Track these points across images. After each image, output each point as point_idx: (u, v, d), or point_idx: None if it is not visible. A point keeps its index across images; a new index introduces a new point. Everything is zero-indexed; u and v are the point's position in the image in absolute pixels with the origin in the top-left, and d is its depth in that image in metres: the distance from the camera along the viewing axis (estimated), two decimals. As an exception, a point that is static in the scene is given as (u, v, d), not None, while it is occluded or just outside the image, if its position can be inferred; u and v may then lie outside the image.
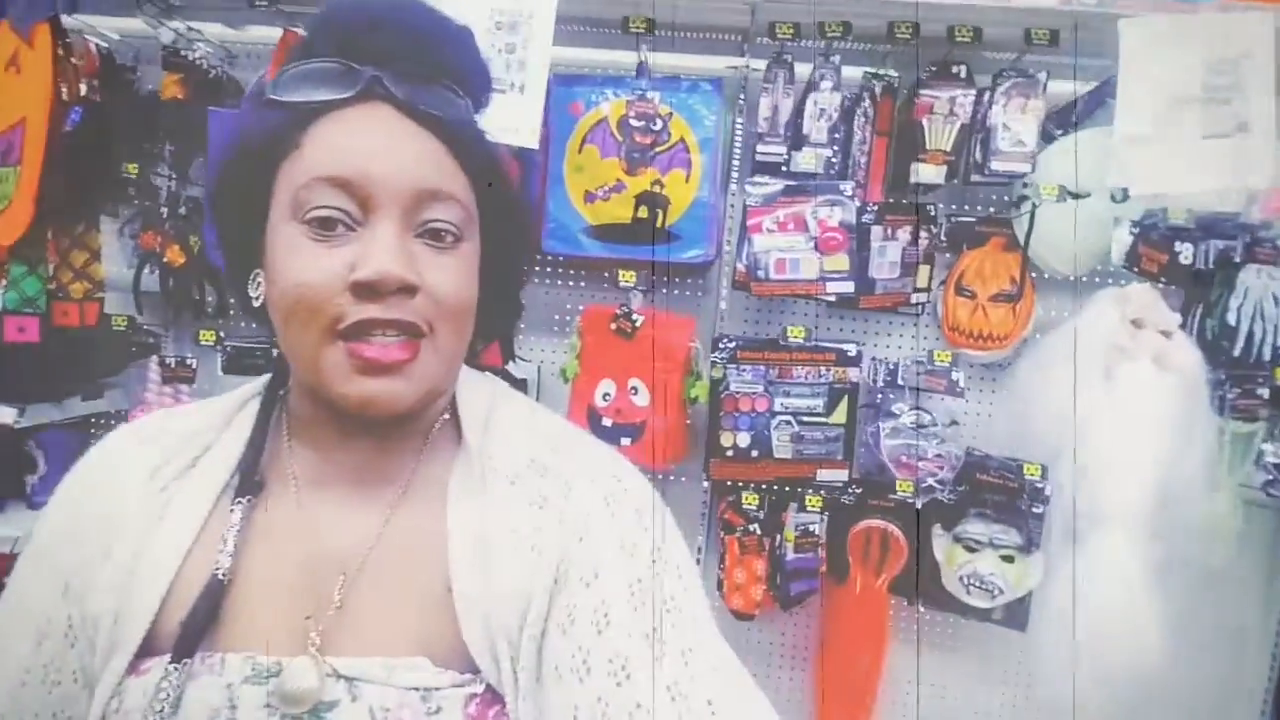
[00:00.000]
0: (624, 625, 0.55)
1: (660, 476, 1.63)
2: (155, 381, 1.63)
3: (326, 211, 0.54)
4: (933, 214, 1.46)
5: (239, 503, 0.58)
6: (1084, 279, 1.47)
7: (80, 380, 1.46)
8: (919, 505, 1.45)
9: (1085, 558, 1.30)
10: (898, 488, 1.39)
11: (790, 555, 1.47)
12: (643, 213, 1.41)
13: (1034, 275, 1.51)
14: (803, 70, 1.38)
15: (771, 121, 1.37)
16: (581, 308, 1.52)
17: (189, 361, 1.61)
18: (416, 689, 0.53)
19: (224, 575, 0.55)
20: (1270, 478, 1.33)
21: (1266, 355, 1.29)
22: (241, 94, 1.61)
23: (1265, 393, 1.31)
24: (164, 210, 1.56)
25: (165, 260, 1.51)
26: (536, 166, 1.38)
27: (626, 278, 1.38)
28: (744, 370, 1.43)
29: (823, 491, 1.45)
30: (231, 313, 1.64)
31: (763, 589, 1.44)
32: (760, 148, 1.39)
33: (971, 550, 1.46)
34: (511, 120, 1.22)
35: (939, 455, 1.37)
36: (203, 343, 1.47)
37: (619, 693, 0.52)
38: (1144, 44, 1.11)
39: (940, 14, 1.23)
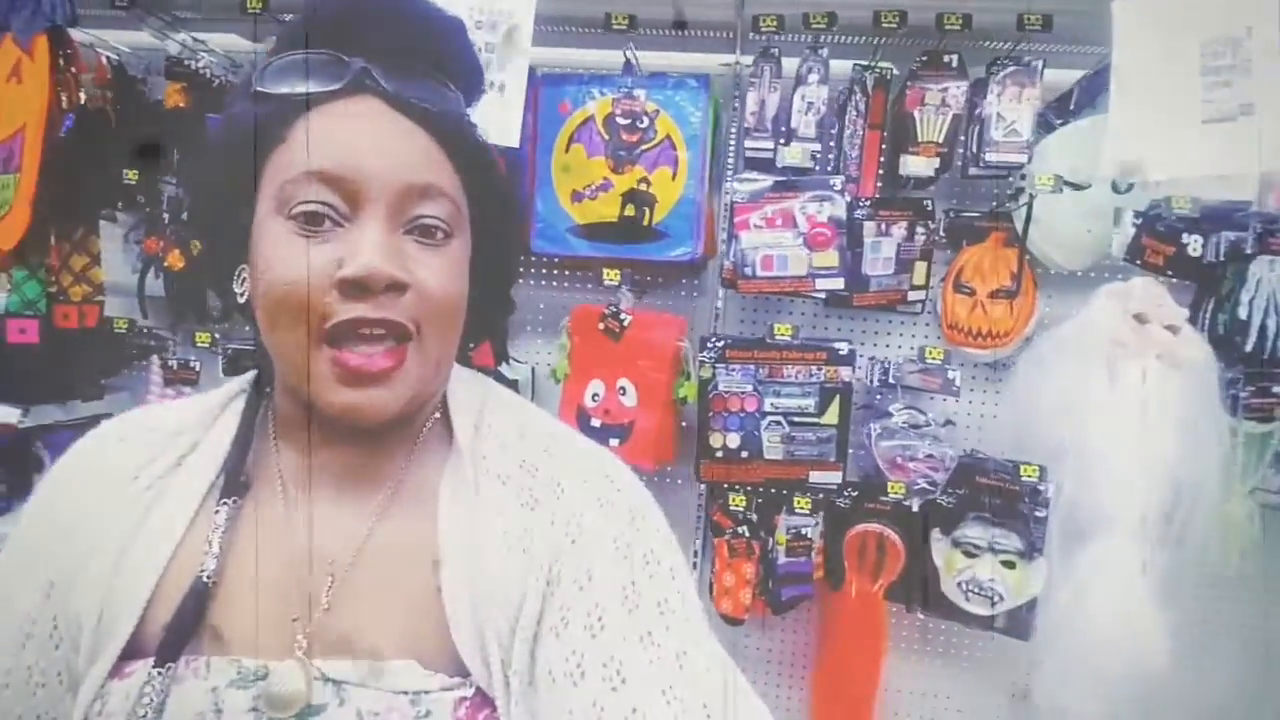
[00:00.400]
0: (618, 628, 0.53)
1: (654, 478, 1.62)
2: (158, 383, 1.66)
3: (313, 206, 0.52)
4: (929, 209, 1.42)
5: (224, 504, 0.57)
6: (1091, 274, 1.42)
7: (80, 382, 1.49)
8: (915, 508, 1.41)
9: (1088, 563, 1.24)
10: (889, 489, 1.35)
11: (782, 559, 1.43)
12: (629, 211, 1.39)
13: (1038, 271, 1.46)
14: (792, 65, 1.36)
15: (759, 117, 1.34)
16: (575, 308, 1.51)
17: (192, 364, 1.64)
18: (405, 692, 0.52)
19: (209, 578, 0.54)
20: (1289, 481, 1.26)
21: (1281, 351, 1.23)
22: (244, 102, 1.64)
23: (1282, 391, 1.24)
24: (166, 215, 1.60)
25: (166, 265, 1.54)
26: (519, 165, 1.38)
27: (611, 276, 1.37)
28: (733, 370, 1.40)
29: (813, 494, 1.41)
30: (236, 316, 1.68)
31: (751, 593, 1.41)
32: (748, 143, 1.37)
33: (970, 555, 1.41)
34: (492, 119, 1.22)
35: (931, 456, 1.32)
36: (199, 345, 1.50)
37: (614, 697, 0.51)
38: (1138, 26, 1.07)
39: (928, 0, 1.19)
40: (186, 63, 1.59)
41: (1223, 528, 1.24)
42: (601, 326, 1.45)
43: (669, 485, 1.63)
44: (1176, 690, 1.18)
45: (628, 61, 1.41)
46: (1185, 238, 1.24)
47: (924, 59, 1.30)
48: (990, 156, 1.28)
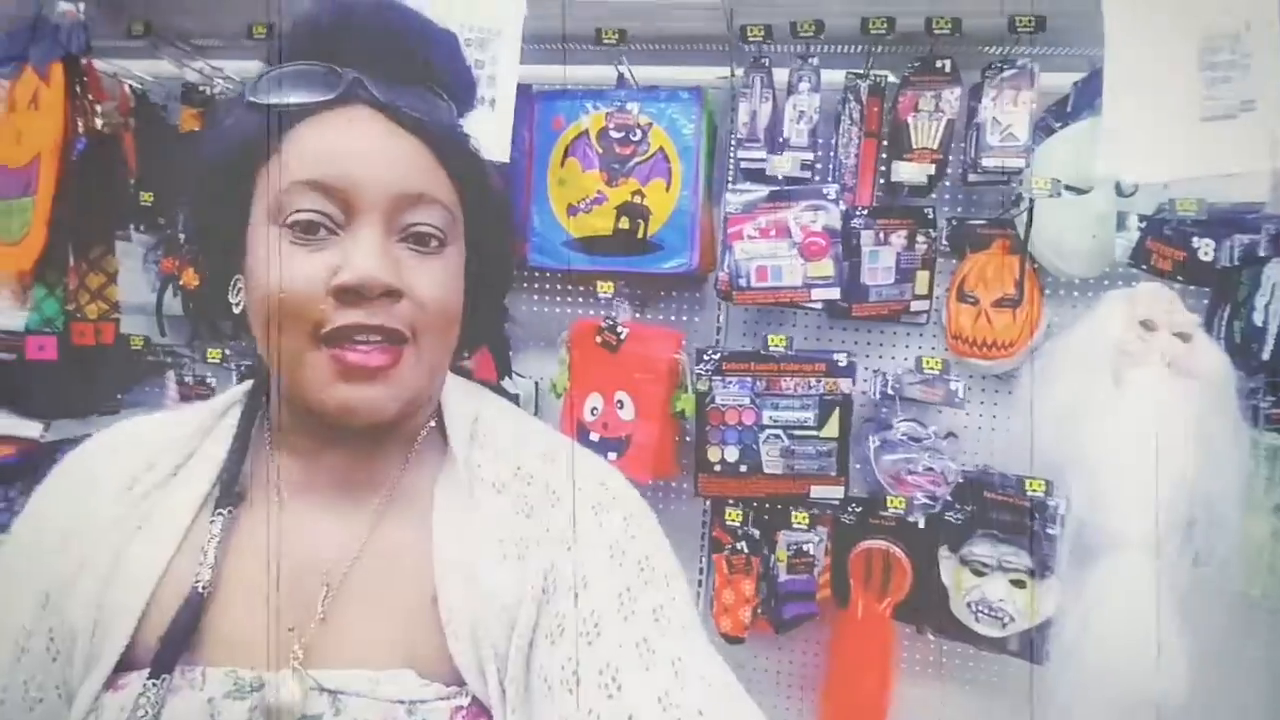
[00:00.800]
0: (614, 635, 0.53)
1: (657, 492, 1.60)
2: (173, 398, 1.71)
3: (307, 215, 0.53)
4: (930, 217, 1.39)
5: (220, 514, 0.57)
6: (1105, 281, 1.37)
7: (98, 397, 1.54)
8: (920, 524, 1.36)
9: (1098, 584, 1.18)
10: (888, 504, 1.31)
11: (783, 576, 1.40)
12: (624, 224, 1.40)
13: (1047, 280, 1.42)
14: (783, 75, 1.35)
15: (751, 127, 1.34)
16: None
17: (208, 380, 1.68)
18: (401, 701, 0.52)
19: (204, 588, 0.54)
20: (1319, 497, 1.19)
21: (1299, 358, 1.16)
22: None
23: (1306, 401, 1.18)
24: (181, 235, 1.65)
25: (181, 283, 1.59)
26: (511, 180, 1.40)
27: (604, 289, 1.37)
28: (730, 382, 1.38)
29: (813, 509, 1.38)
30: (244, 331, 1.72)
31: (752, 611, 1.38)
32: (741, 154, 1.36)
33: (979, 574, 1.35)
34: (482, 134, 1.23)
35: (931, 470, 1.28)
36: (210, 361, 1.54)
37: (609, 704, 0.50)
38: (1131, 24, 1.03)
39: (915, 5, 1.18)
40: (202, 89, 1.65)
41: (1244, 546, 1.17)
42: (599, 340, 1.45)
43: (673, 499, 1.61)
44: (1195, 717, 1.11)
45: (621, 76, 1.41)
46: (1195, 241, 1.19)
47: (916, 65, 1.28)
48: (987, 162, 1.26)
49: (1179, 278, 1.21)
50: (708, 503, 1.55)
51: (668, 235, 1.39)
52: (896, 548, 1.41)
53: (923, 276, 1.41)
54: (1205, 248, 1.20)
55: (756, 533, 1.43)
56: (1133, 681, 1.14)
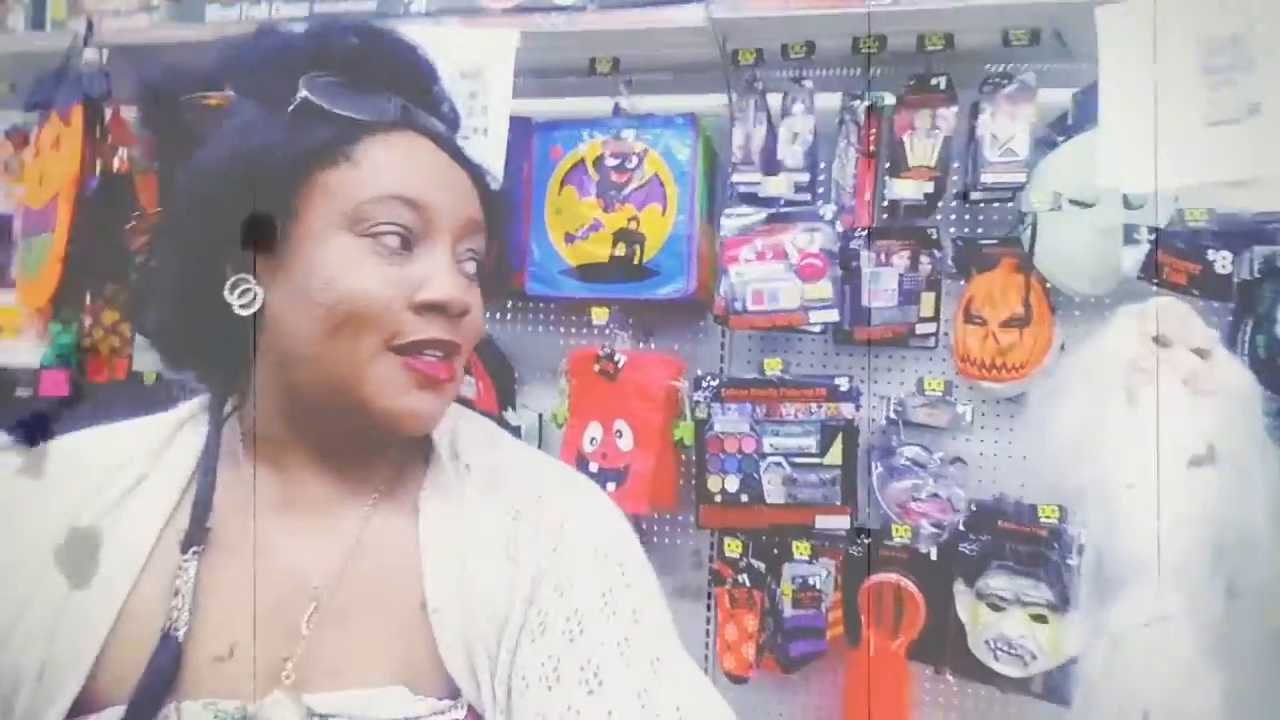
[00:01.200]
0: (596, 633, 0.55)
1: (661, 524, 1.56)
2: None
3: (395, 229, 0.55)
4: (934, 237, 1.36)
5: (196, 552, 0.55)
6: (1123, 299, 1.32)
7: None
8: (932, 554, 1.30)
9: (1122, 618, 1.11)
10: (893, 534, 1.25)
11: (788, 611, 1.34)
12: (620, 250, 1.39)
13: (1060, 298, 1.37)
14: (777, 99, 1.35)
15: (745, 150, 1.33)
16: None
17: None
18: None
19: (179, 630, 0.52)
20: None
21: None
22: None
23: (1341, 421, 1.10)
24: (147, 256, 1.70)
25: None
26: (511, 211, 1.41)
27: (598, 315, 1.36)
28: (729, 409, 1.35)
29: (818, 540, 1.32)
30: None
31: (754, 648, 1.32)
32: (736, 178, 1.35)
33: (997, 609, 1.28)
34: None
35: (937, 496, 1.23)
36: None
37: (590, 700, 0.51)
38: (1126, 30, 1.01)
39: (903, 22, 1.17)
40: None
41: (1281, 576, 1.09)
42: (597, 369, 1.43)
43: (680, 530, 1.56)
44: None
45: (617, 104, 1.43)
46: (1211, 254, 1.14)
47: (911, 83, 1.27)
48: (987, 178, 1.23)
49: (1195, 291, 1.15)
50: (714, 535, 1.51)
51: (664, 260, 1.38)
52: (908, 581, 1.34)
53: (928, 298, 1.37)
54: (1222, 260, 1.14)
55: (762, 565, 1.38)
56: (1164, 724, 1.05)
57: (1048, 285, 1.32)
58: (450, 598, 0.55)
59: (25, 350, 1.57)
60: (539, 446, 1.65)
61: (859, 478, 1.36)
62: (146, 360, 1.63)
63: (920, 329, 1.37)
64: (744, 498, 1.34)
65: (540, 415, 1.63)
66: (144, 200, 1.57)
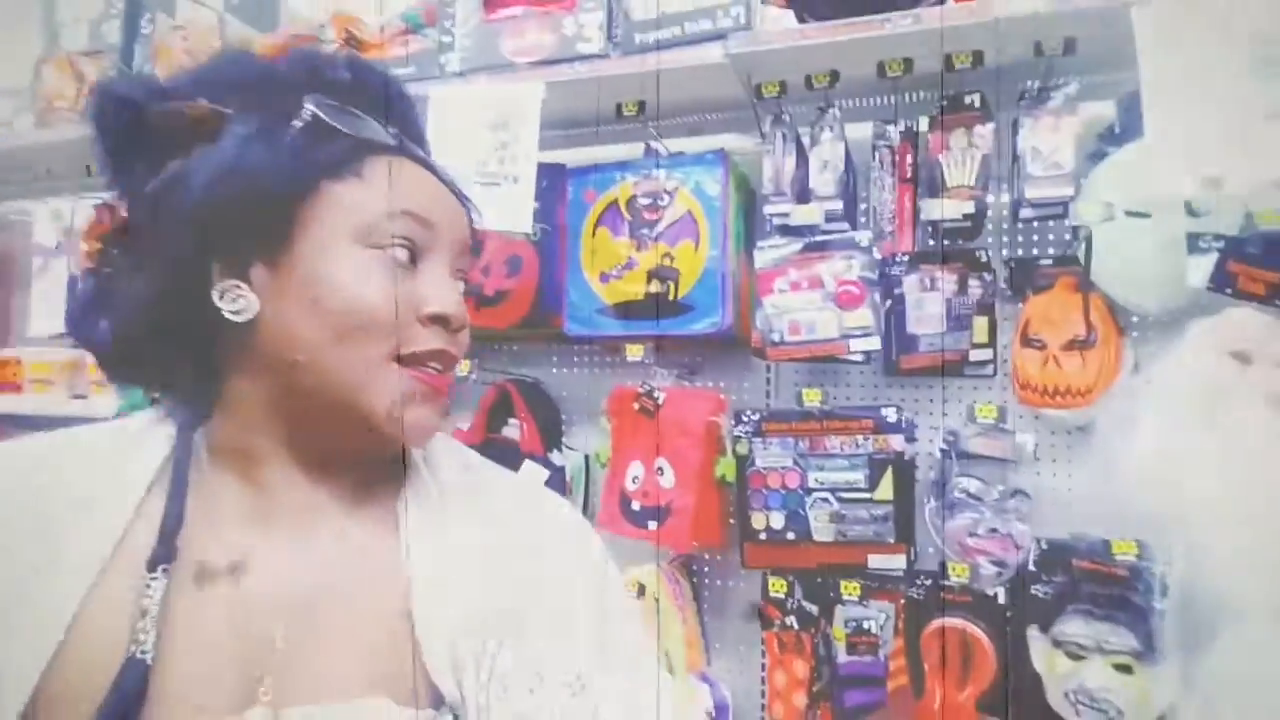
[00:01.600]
0: (578, 634, 0.58)
1: (708, 565, 1.51)
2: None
3: (405, 243, 0.57)
4: (984, 259, 1.29)
5: (163, 570, 0.53)
6: (1187, 312, 1.21)
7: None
8: (1000, 597, 1.20)
9: (1218, 666, 0.99)
10: (950, 573, 1.16)
11: (842, 658, 1.26)
12: (654, 287, 1.39)
13: (1129, 318, 1.27)
14: (806, 129, 1.33)
15: (776, 181, 1.31)
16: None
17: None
18: None
19: (149, 655, 0.50)
20: None
21: None
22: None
23: None
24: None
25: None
26: (548, 255, 1.44)
27: (633, 352, 1.35)
28: (770, 443, 1.31)
29: (871, 581, 1.25)
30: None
31: (805, 696, 1.24)
32: (769, 209, 1.33)
33: (1075, 658, 1.16)
34: (509, 209, 1.28)
35: (995, 531, 1.14)
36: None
37: (573, 703, 0.54)
38: (1166, 31, 0.95)
39: (925, 42, 1.13)
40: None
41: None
42: (637, 406, 1.42)
43: (729, 570, 1.50)
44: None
45: (648, 147, 1.44)
46: (1291, 259, 1.04)
47: (944, 103, 1.23)
48: (1031, 193, 1.16)
49: (1276, 302, 1.05)
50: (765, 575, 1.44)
51: (699, 295, 1.36)
52: (975, 627, 1.24)
53: (981, 323, 1.30)
54: (1305, 266, 1.04)
55: (815, 608, 1.31)
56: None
57: (1111, 304, 1.23)
58: (434, 606, 0.56)
59: (57, 404, 1.72)
60: (585, 487, 1.64)
61: (916, 514, 1.28)
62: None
63: (975, 355, 1.30)
64: (790, 535, 1.29)
65: (586, 456, 1.63)
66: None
